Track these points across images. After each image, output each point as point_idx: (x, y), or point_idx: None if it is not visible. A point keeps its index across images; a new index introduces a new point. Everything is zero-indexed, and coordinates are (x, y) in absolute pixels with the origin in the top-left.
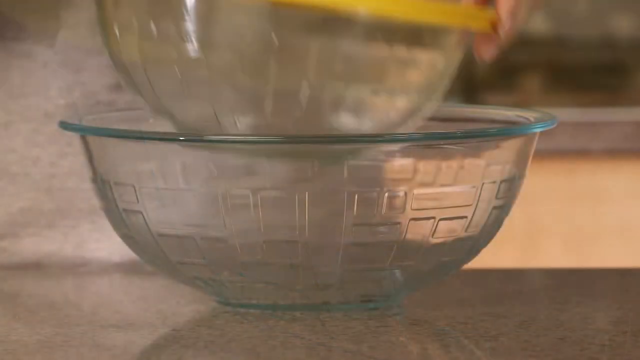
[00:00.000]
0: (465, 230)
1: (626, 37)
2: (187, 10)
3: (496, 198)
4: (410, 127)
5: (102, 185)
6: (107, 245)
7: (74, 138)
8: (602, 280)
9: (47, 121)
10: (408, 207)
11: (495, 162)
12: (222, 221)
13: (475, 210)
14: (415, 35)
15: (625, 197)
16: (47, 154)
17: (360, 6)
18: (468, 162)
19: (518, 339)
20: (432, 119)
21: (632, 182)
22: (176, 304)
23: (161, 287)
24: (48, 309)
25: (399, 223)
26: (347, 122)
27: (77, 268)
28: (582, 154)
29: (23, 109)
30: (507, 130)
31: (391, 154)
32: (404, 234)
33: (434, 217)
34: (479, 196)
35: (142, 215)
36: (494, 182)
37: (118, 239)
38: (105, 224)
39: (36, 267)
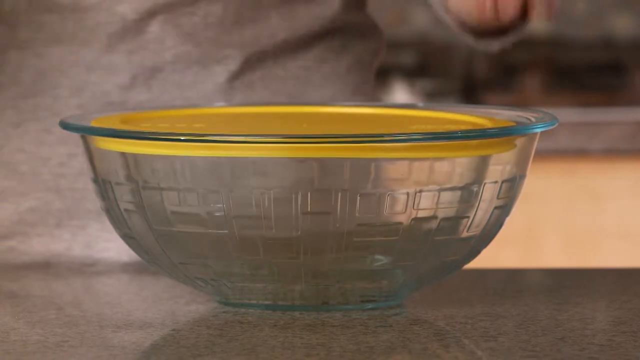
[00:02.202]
0: (467, 230)
1: (626, 37)
2: None
3: (497, 198)
4: None
5: (103, 185)
6: (116, 245)
7: None
8: (602, 280)
9: (58, 121)
10: (410, 207)
11: (496, 162)
12: (224, 221)
13: (476, 210)
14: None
15: (624, 197)
16: (56, 154)
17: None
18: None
19: (517, 339)
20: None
21: (631, 182)
22: (176, 304)
23: (162, 287)
24: (49, 309)
25: (400, 223)
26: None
27: (86, 268)
28: (581, 153)
29: (34, 108)
30: (508, 130)
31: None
32: (405, 234)
33: (435, 217)
34: (481, 196)
35: (143, 215)
36: (495, 182)
37: None
38: None
39: (45, 266)
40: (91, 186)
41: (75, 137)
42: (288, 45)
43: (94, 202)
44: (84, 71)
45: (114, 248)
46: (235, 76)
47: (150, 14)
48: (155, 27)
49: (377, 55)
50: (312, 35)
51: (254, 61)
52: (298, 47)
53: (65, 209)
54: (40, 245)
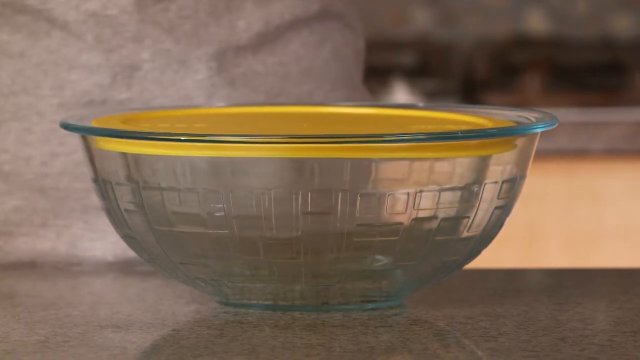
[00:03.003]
0: (467, 230)
1: (626, 37)
2: None
3: (498, 198)
4: None
5: (104, 185)
6: (100, 244)
7: (66, 137)
8: (602, 280)
9: (39, 120)
10: (410, 207)
11: (496, 162)
12: (224, 221)
13: (477, 211)
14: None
15: (624, 197)
16: (39, 154)
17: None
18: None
19: (518, 339)
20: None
21: (632, 182)
22: (176, 304)
23: (160, 286)
24: (47, 309)
25: (401, 223)
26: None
27: (72, 267)
28: (581, 154)
29: (15, 108)
30: (508, 130)
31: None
32: (405, 234)
33: (436, 217)
34: (481, 196)
35: (144, 215)
36: (496, 182)
37: (111, 239)
38: (99, 224)
39: (31, 266)
40: (76, 185)
41: (58, 136)
42: (264, 39)
43: (77, 202)
44: (64, 70)
45: (99, 247)
46: (216, 73)
47: (121, 10)
48: (132, 26)
49: (355, 48)
50: (286, 26)
51: (232, 56)
52: (274, 40)
53: (50, 209)
54: (26, 244)
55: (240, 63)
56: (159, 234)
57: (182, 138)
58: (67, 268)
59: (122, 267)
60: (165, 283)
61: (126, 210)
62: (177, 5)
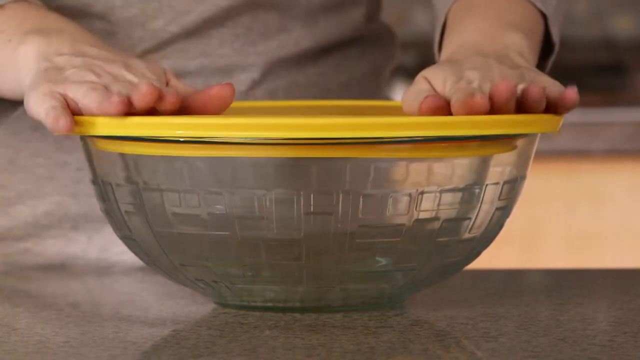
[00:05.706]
0: (469, 232)
1: (626, 38)
2: None
3: (499, 199)
4: None
5: (104, 187)
6: None
7: None
8: (602, 280)
9: None
10: (412, 208)
11: (497, 163)
12: (225, 222)
13: (478, 212)
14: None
15: (625, 197)
16: (74, 159)
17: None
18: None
19: (518, 339)
20: None
21: (632, 182)
22: (176, 305)
23: (163, 288)
24: (50, 310)
25: (403, 224)
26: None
27: (101, 270)
28: (582, 154)
29: None
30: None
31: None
32: (407, 236)
33: (437, 218)
34: (482, 197)
35: (144, 216)
36: (497, 183)
37: None
38: None
39: (60, 268)
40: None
41: None
42: (310, 52)
43: None
44: None
45: (129, 252)
46: (258, 84)
47: (187, 33)
48: (182, 38)
49: (391, 60)
50: (333, 43)
51: (277, 68)
52: (319, 54)
53: (82, 213)
54: (55, 247)
55: (284, 74)
56: (159, 235)
57: (182, 139)
58: (96, 271)
59: (150, 271)
60: (167, 283)
61: (126, 211)
62: (233, 23)
